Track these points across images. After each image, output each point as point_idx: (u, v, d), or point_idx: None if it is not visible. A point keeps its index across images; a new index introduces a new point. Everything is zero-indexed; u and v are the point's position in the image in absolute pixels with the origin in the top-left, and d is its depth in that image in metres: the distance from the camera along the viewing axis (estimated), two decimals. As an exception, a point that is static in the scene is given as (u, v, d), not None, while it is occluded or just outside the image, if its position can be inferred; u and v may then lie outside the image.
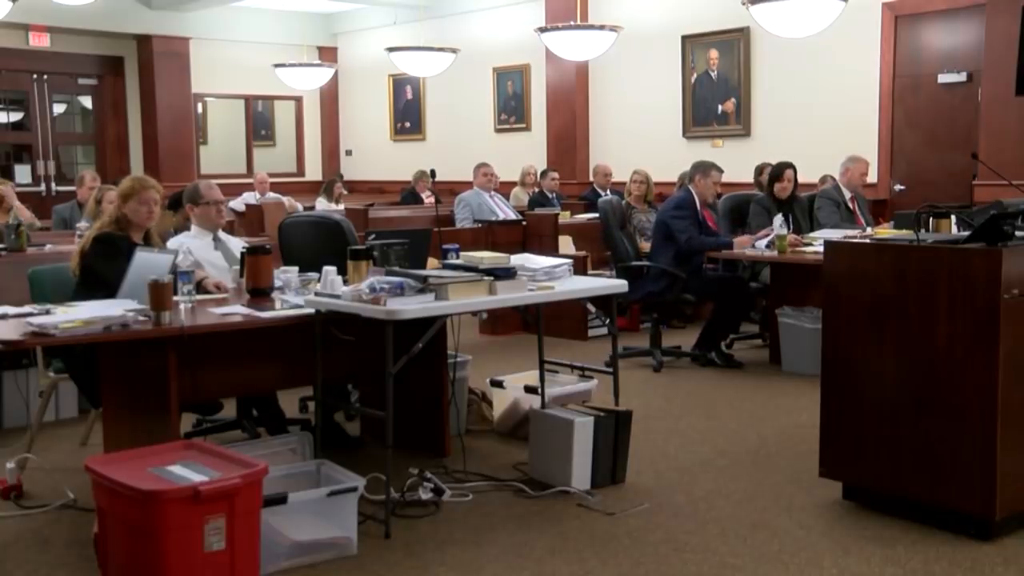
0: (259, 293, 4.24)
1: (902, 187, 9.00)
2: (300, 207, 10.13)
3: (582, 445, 4.05)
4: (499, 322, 7.51)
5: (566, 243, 8.20)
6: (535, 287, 3.96)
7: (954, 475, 3.49)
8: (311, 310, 3.86)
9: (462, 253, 4.14)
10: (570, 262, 4.32)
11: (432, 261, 4.63)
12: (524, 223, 8.42)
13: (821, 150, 8.66)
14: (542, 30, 9.16)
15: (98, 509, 3.15)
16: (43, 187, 12.45)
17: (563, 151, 11.45)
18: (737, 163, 8.87)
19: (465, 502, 3.94)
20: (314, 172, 14.49)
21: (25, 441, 4.58)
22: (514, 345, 7.12)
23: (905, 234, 4.30)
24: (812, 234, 6.61)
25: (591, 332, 7.36)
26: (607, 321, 4.51)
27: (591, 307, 4.63)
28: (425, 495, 3.90)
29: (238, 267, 4.53)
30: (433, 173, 5.61)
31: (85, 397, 4.69)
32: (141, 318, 3.65)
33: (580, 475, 4.05)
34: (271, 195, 10.76)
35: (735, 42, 9.99)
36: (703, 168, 6.59)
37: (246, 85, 13.69)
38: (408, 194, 11.13)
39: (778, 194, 6.91)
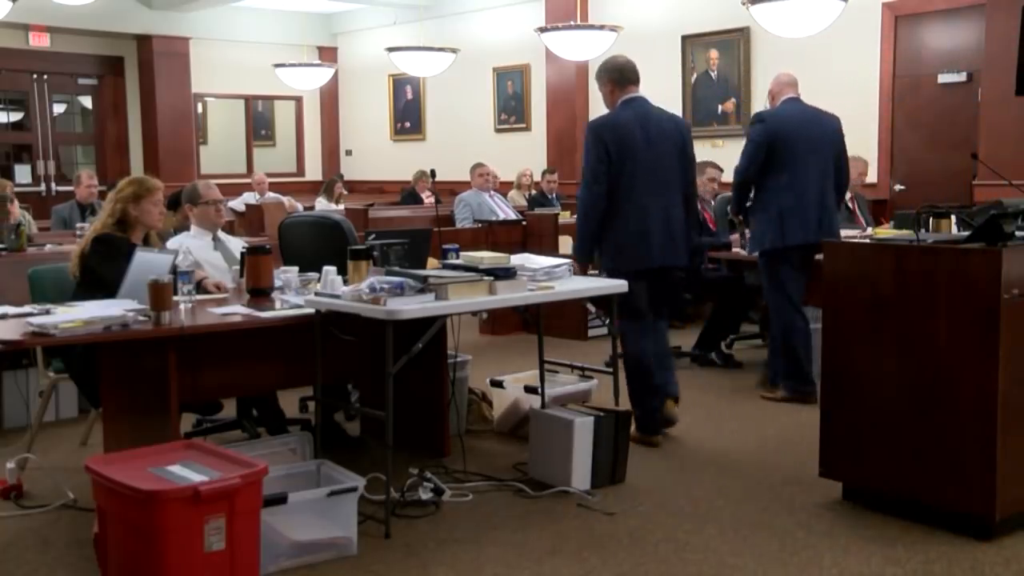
0: (259, 293, 4.24)
1: (902, 187, 8.99)
2: (300, 207, 10.13)
3: (582, 445, 4.05)
4: (499, 322, 7.51)
5: (566, 243, 8.18)
6: (535, 287, 3.96)
7: (954, 475, 3.49)
8: (311, 310, 3.86)
9: (462, 253, 4.14)
10: (570, 262, 4.32)
11: (432, 261, 4.63)
12: (524, 223, 8.42)
13: (821, 150, 8.63)
14: (542, 30, 9.15)
15: (98, 509, 3.15)
16: (43, 187, 12.43)
17: (563, 151, 11.43)
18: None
19: (465, 502, 3.94)
20: (314, 172, 14.47)
21: (25, 441, 4.58)
22: (514, 345, 7.12)
23: (905, 234, 4.29)
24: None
25: (591, 332, 7.36)
26: (607, 321, 4.51)
27: (591, 307, 4.63)
28: (425, 495, 3.90)
29: (238, 267, 4.53)
30: (433, 173, 5.61)
31: (85, 397, 4.69)
32: (141, 318, 3.65)
33: (580, 475, 4.05)
34: (271, 195, 10.75)
35: (735, 42, 9.98)
36: (699, 167, 6.58)
37: (246, 85, 13.68)
38: (408, 194, 11.12)
39: None
